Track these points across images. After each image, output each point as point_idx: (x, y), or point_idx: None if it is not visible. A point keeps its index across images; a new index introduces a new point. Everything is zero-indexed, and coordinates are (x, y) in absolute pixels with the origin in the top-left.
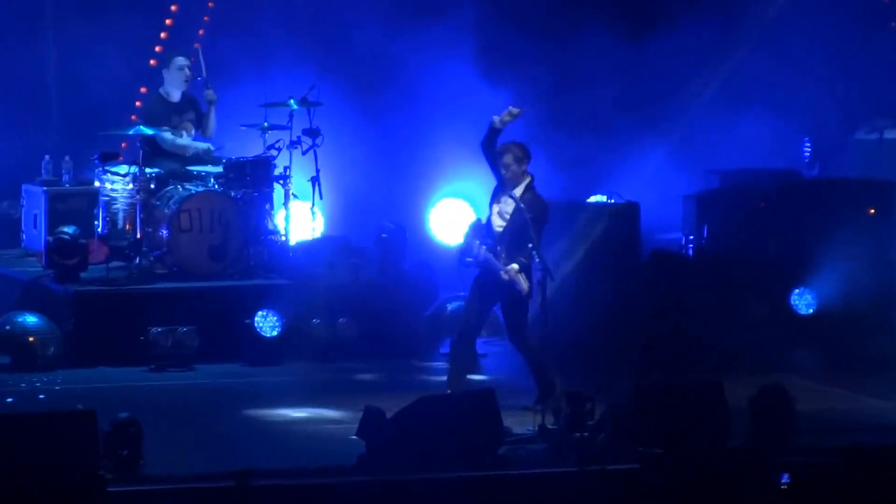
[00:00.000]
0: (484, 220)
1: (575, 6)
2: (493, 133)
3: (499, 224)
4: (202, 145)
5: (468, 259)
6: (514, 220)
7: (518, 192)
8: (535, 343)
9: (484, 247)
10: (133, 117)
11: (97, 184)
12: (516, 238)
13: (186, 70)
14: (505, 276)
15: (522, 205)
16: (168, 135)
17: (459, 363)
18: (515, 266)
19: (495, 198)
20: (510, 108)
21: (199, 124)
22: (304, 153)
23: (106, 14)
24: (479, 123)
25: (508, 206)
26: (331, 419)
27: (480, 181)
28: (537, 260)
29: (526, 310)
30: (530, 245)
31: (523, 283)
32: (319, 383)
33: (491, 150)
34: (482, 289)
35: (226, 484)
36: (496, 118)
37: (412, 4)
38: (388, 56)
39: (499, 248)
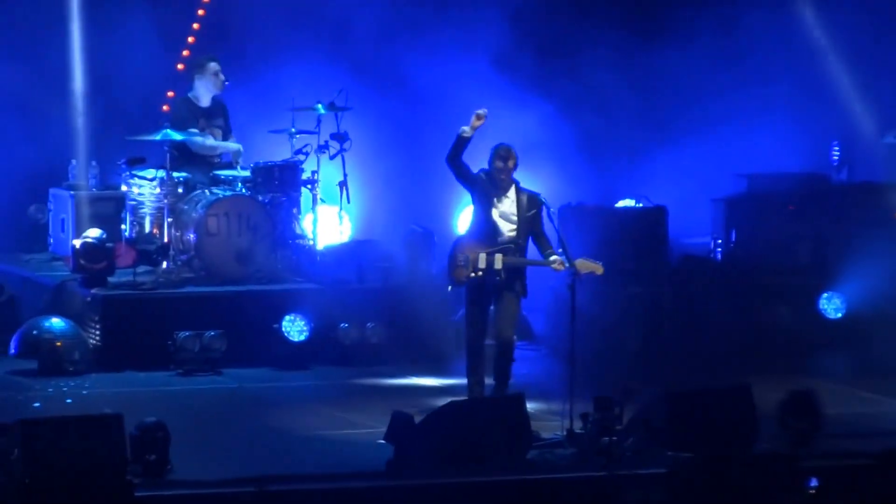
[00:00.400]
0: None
1: (598, 9)
2: (462, 144)
3: (509, 228)
4: (233, 146)
5: (477, 272)
6: (528, 220)
7: (513, 192)
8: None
9: (499, 255)
10: (166, 108)
11: (124, 188)
12: (529, 237)
13: (220, 75)
14: (560, 267)
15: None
16: (198, 137)
17: (478, 373)
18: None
19: (486, 202)
20: (476, 112)
21: (227, 132)
22: (331, 157)
23: (133, 19)
24: (506, 126)
25: (510, 207)
26: (359, 424)
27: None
28: (565, 257)
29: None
30: (560, 248)
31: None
32: (347, 388)
33: (460, 162)
34: (479, 295)
35: (253, 489)
36: (466, 127)
37: (439, 12)
38: (415, 61)
39: (512, 247)
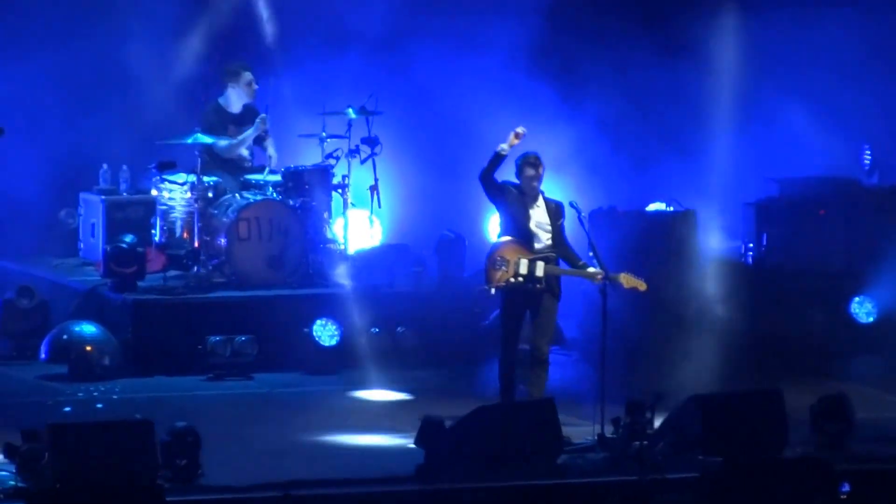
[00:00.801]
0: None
1: (630, 13)
2: (498, 161)
3: (546, 237)
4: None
5: (517, 278)
6: (560, 228)
7: (542, 201)
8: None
9: (541, 262)
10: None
11: (154, 192)
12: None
13: (253, 84)
14: (598, 281)
15: (556, 211)
16: (224, 142)
17: (511, 378)
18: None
19: (522, 213)
20: (515, 130)
21: (257, 139)
22: (362, 162)
23: (165, 24)
24: (538, 131)
25: (543, 216)
26: (389, 428)
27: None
28: (595, 262)
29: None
30: (591, 252)
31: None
32: (378, 392)
33: (493, 180)
34: (517, 300)
35: (282, 493)
36: (504, 145)
37: (471, 17)
38: (446, 65)
39: (553, 256)
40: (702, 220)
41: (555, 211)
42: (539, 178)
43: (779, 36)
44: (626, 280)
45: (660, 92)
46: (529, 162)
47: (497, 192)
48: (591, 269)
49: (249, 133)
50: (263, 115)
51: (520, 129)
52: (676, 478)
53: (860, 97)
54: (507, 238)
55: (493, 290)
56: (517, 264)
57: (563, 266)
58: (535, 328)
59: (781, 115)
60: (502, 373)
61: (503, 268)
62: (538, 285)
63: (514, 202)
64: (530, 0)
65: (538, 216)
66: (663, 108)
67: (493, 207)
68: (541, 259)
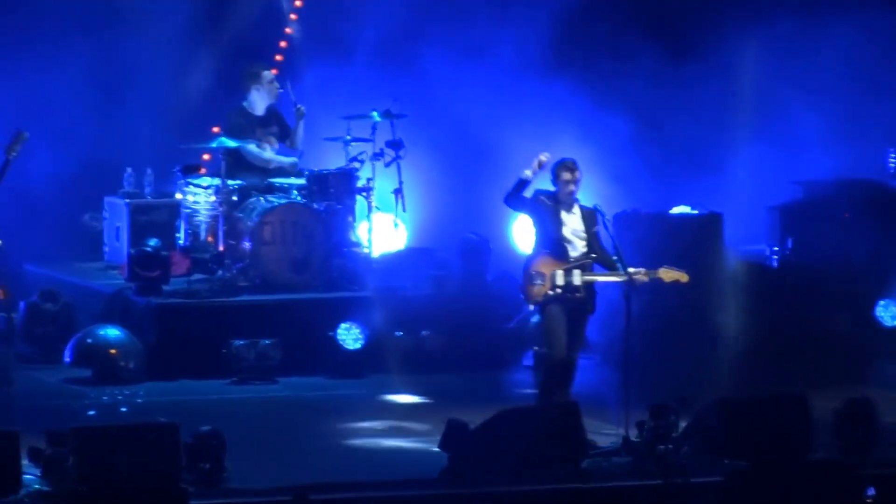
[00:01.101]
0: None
1: (655, 19)
2: (522, 187)
3: (581, 244)
4: (287, 159)
5: (556, 290)
6: (595, 234)
7: (576, 208)
8: None
9: (578, 271)
10: (215, 129)
11: (179, 196)
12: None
13: (275, 83)
14: (644, 278)
15: (591, 217)
16: (253, 147)
17: (557, 387)
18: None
19: (555, 221)
20: (539, 155)
21: (283, 137)
22: (387, 165)
23: (188, 28)
24: (563, 134)
25: (577, 223)
26: (413, 432)
27: None
28: (620, 266)
29: None
30: (615, 255)
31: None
32: (402, 396)
33: (519, 201)
34: (558, 313)
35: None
36: (528, 171)
37: (494, 21)
38: (469, 69)
39: (589, 263)
40: (726, 224)
41: (590, 217)
42: (576, 184)
43: (805, 40)
44: (667, 274)
45: (684, 96)
46: (567, 167)
47: (527, 209)
48: (631, 271)
49: (285, 162)
50: (300, 106)
51: (543, 157)
52: (701, 482)
53: (885, 100)
54: (541, 251)
55: (532, 307)
56: (553, 276)
57: (600, 271)
58: (573, 335)
59: (804, 119)
60: (547, 386)
61: (540, 282)
62: (577, 294)
63: (547, 212)
64: (554, 6)
65: (573, 223)
66: (687, 112)
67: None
68: (577, 267)
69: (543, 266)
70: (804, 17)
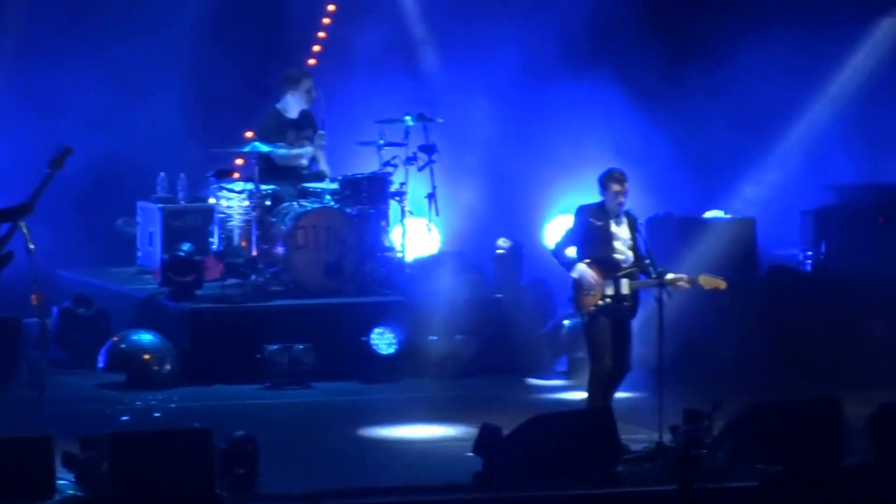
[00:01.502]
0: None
1: (690, 23)
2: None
3: (629, 253)
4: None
5: (605, 300)
6: (637, 241)
7: (623, 216)
8: None
9: (625, 280)
10: (249, 134)
11: (212, 200)
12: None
13: (313, 91)
14: (686, 285)
15: (634, 224)
16: (283, 150)
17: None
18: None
19: (605, 233)
20: (595, 285)
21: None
22: (420, 169)
23: (221, 31)
24: (597, 136)
25: (625, 232)
26: (447, 436)
27: (595, 197)
28: (652, 269)
29: None
30: (648, 262)
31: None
32: (436, 400)
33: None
34: (607, 323)
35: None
36: (574, 275)
37: (526, 25)
38: (502, 72)
39: (635, 271)
40: (760, 228)
41: (633, 224)
42: (625, 194)
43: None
44: (706, 281)
45: (717, 100)
46: (615, 178)
47: (580, 237)
48: (670, 276)
49: (308, 150)
50: (322, 132)
51: (595, 289)
52: (735, 486)
53: None
54: (587, 261)
55: (587, 318)
56: (603, 286)
57: (644, 279)
58: (622, 342)
59: (840, 121)
60: (595, 397)
61: (591, 292)
62: (626, 303)
63: (599, 229)
64: (588, 6)
65: (621, 233)
66: (720, 115)
67: (551, 215)
68: (624, 276)
69: (594, 276)
70: (834, 23)
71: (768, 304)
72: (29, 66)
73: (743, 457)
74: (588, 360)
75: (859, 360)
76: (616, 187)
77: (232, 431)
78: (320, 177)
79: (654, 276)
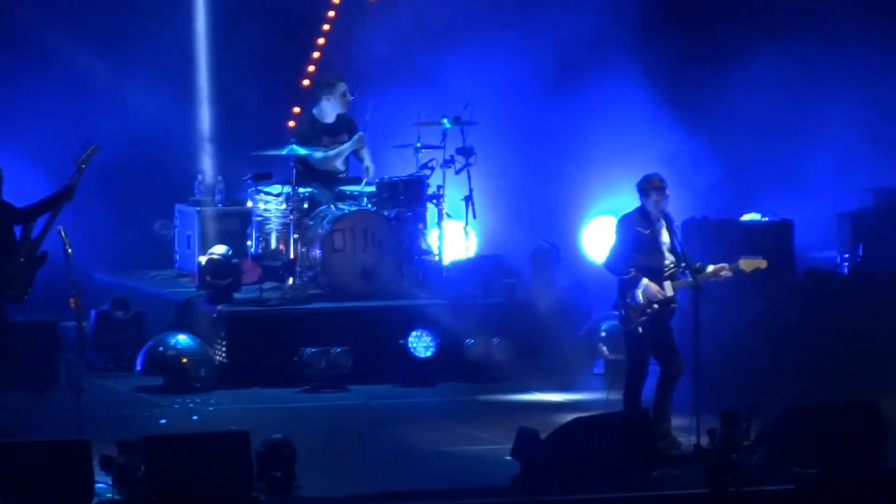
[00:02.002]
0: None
1: (726, 25)
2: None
3: (670, 256)
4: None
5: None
6: (679, 242)
7: (663, 219)
8: None
9: (668, 283)
10: (290, 125)
11: (250, 204)
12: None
13: (348, 95)
14: (728, 273)
15: (671, 225)
16: (319, 154)
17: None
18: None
19: (652, 239)
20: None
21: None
22: (457, 172)
23: (257, 34)
24: (633, 139)
25: (665, 235)
26: (484, 440)
27: (631, 199)
28: (688, 272)
29: None
30: (684, 264)
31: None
32: (473, 404)
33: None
34: (649, 332)
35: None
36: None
37: (560, 28)
38: (538, 75)
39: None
40: (797, 231)
41: (670, 226)
42: (665, 199)
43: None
44: (747, 264)
45: (752, 102)
46: (654, 185)
47: (628, 244)
48: (711, 268)
49: (346, 147)
50: (361, 133)
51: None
52: (772, 490)
53: None
54: (638, 270)
55: (640, 329)
56: (652, 293)
57: (686, 277)
58: (669, 342)
59: (878, 124)
60: (632, 400)
61: (638, 303)
62: (672, 305)
63: (643, 235)
64: (625, 8)
65: (664, 237)
66: (757, 118)
67: (588, 217)
68: (666, 279)
69: (658, 290)
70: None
71: (805, 307)
72: (67, 67)
73: (779, 460)
74: (627, 364)
75: None
76: (656, 195)
77: (269, 434)
78: (357, 180)
79: (689, 277)
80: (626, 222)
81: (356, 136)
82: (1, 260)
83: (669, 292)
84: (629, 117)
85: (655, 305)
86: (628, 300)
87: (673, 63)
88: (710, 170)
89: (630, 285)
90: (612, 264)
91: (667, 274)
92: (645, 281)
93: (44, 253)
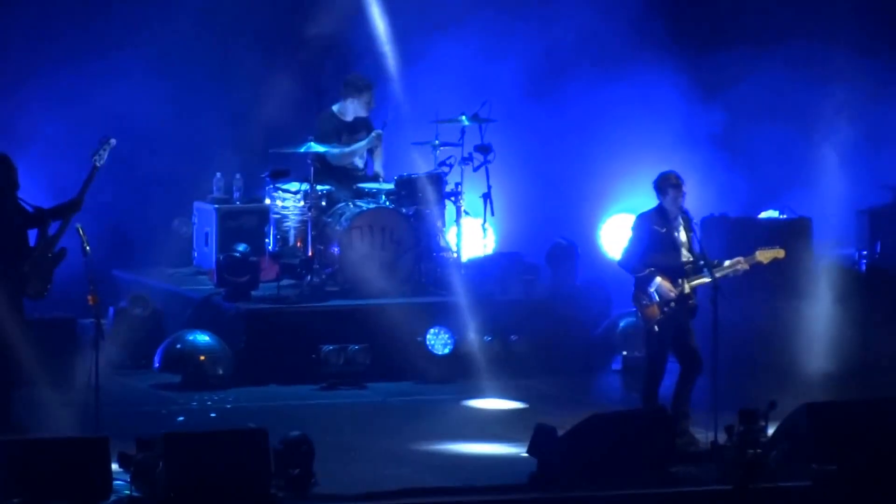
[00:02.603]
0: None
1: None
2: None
3: (687, 253)
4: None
5: (670, 305)
6: (697, 240)
7: (681, 217)
8: None
9: (686, 282)
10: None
11: (268, 201)
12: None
13: (372, 103)
14: (745, 266)
15: (689, 223)
16: (336, 150)
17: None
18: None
19: (668, 237)
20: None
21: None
22: (475, 169)
23: (278, 32)
24: (653, 135)
25: (683, 233)
26: (502, 437)
27: (650, 197)
28: (707, 271)
29: None
30: (702, 262)
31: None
32: (490, 401)
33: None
34: (669, 328)
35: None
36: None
37: (583, 24)
38: (557, 72)
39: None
40: (815, 228)
41: (688, 223)
42: (682, 196)
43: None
44: (764, 255)
45: (770, 99)
46: (671, 183)
47: (644, 242)
48: (728, 263)
49: (362, 144)
50: (379, 131)
51: (656, 310)
52: (789, 486)
53: None
54: (654, 268)
55: (657, 328)
56: (669, 293)
57: (704, 273)
58: (689, 339)
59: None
60: (649, 396)
61: (655, 300)
62: (690, 301)
63: (660, 234)
64: (647, 8)
65: (681, 234)
66: (775, 115)
67: (606, 215)
68: (684, 276)
69: (671, 288)
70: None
71: (823, 304)
72: (86, 66)
73: (797, 457)
74: (646, 361)
75: None
76: (674, 192)
77: (287, 432)
78: (375, 178)
79: (708, 275)
80: (642, 220)
81: (373, 134)
82: (18, 257)
83: (686, 290)
84: (647, 115)
85: (672, 304)
86: (643, 299)
87: (692, 62)
88: (728, 167)
89: (645, 283)
90: (626, 262)
91: (685, 272)
92: (658, 279)
93: (62, 249)
